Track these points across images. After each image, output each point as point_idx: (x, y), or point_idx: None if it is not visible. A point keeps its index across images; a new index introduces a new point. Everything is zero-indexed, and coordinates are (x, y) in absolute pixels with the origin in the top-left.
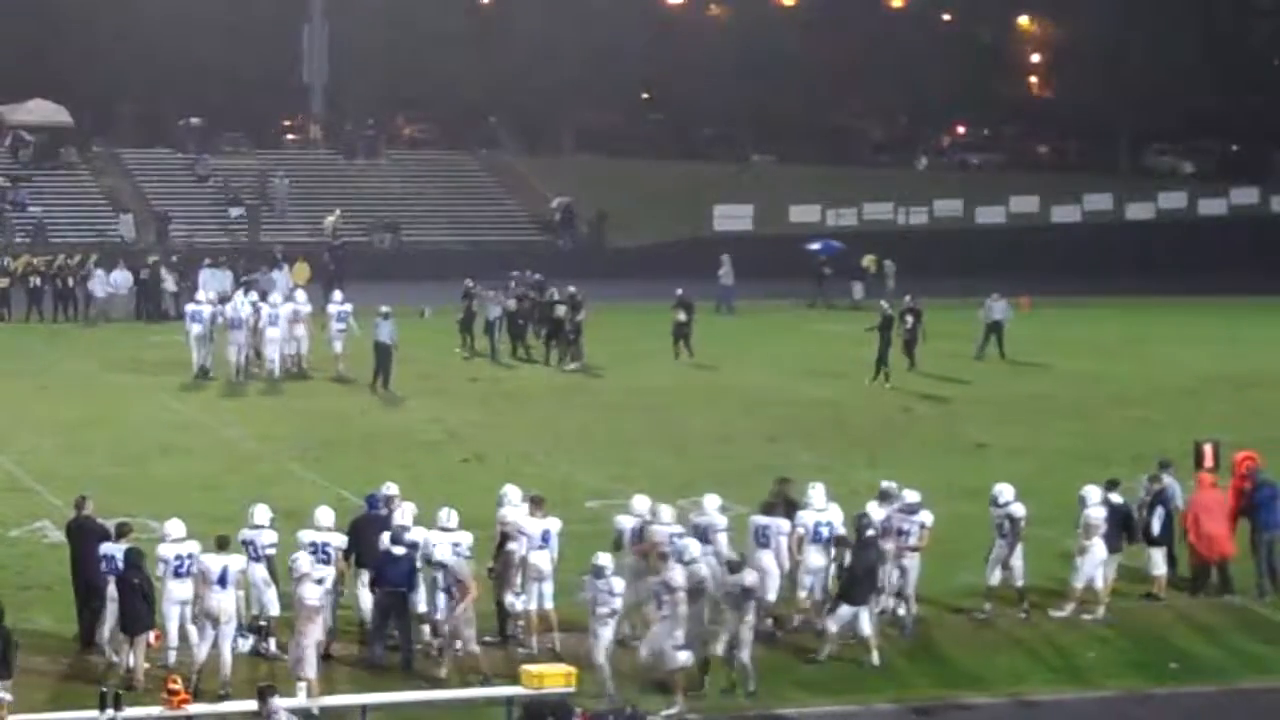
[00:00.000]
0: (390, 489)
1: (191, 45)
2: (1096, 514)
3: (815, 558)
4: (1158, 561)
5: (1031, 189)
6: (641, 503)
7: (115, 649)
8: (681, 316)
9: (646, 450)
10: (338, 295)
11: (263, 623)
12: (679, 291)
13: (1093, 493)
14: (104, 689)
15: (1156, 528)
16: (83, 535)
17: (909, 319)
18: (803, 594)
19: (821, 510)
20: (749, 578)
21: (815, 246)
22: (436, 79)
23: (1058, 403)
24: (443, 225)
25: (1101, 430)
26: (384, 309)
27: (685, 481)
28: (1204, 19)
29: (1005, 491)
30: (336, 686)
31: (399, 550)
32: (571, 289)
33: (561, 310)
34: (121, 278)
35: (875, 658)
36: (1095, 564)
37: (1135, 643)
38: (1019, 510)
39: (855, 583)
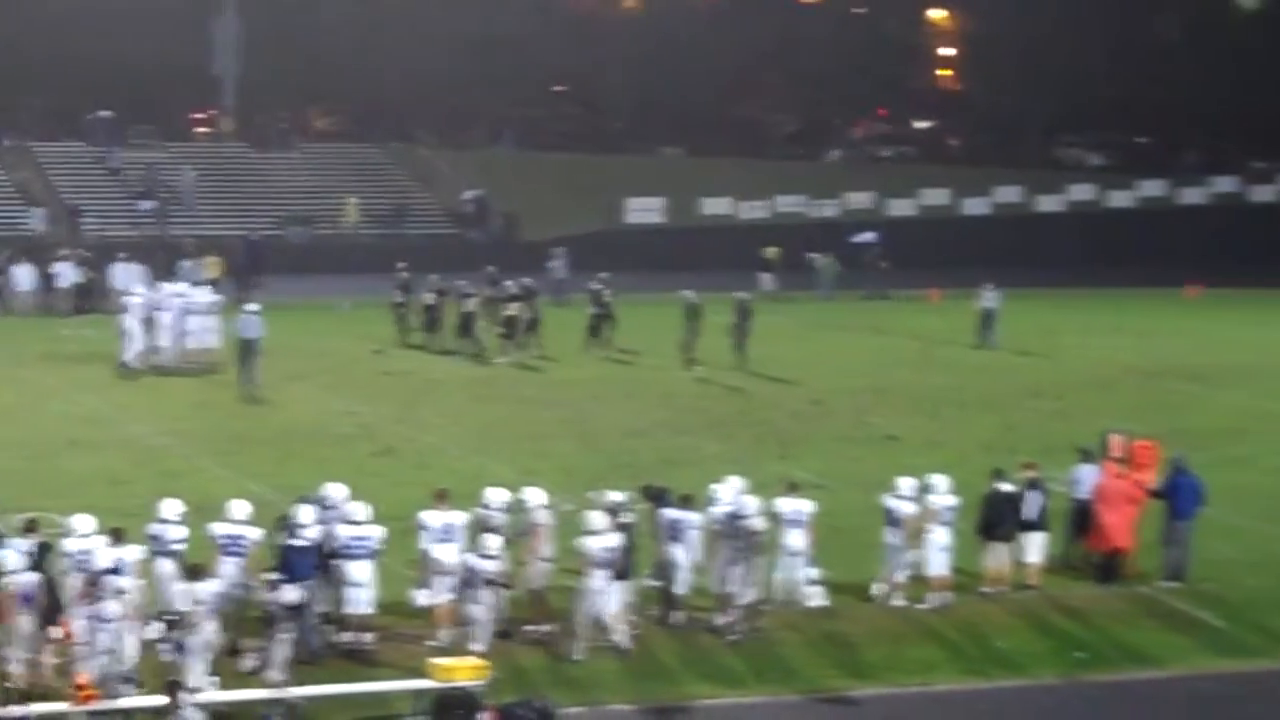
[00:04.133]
0: (336, 489)
1: (101, 37)
2: (937, 502)
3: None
4: (1029, 549)
5: (942, 182)
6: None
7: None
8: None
9: (559, 443)
10: (206, 290)
11: (170, 618)
12: (593, 285)
13: (939, 481)
14: (7, 685)
15: (1032, 515)
16: None
17: (736, 315)
18: (718, 588)
19: (729, 505)
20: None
21: (861, 239)
22: (349, 71)
23: (969, 395)
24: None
25: (1013, 422)
26: (251, 305)
27: (596, 474)
28: (1112, 12)
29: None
30: (247, 682)
31: (300, 543)
32: (526, 281)
33: (472, 304)
34: (25, 272)
35: (618, 636)
36: (938, 550)
37: (1042, 632)
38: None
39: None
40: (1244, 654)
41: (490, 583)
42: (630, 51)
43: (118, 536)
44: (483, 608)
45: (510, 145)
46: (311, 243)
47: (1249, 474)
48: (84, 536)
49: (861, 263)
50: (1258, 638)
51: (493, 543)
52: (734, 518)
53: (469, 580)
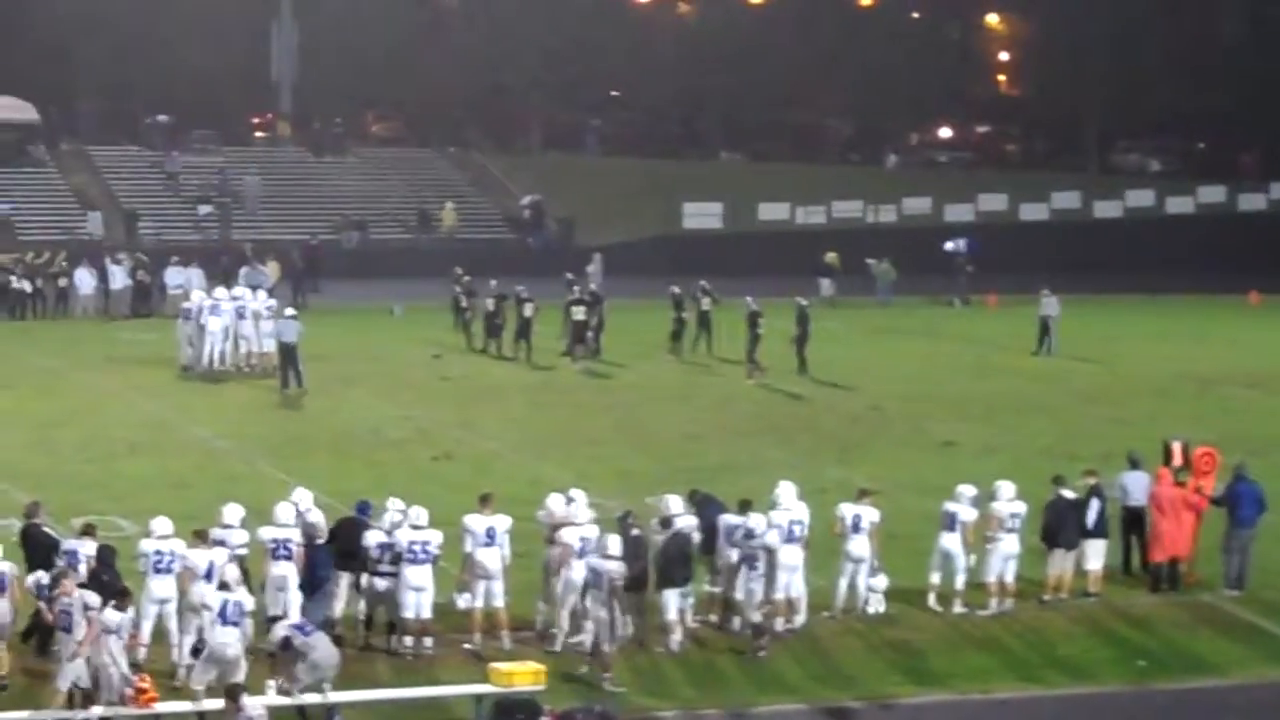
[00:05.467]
0: (396, 504)
1: (159, 42)
2: (1002, 509)
3: (790, 557)
4: (1090, 556)
5: (1000, 187)
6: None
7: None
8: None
9: (616, 448)
10: (263, 294)
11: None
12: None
13: (1005, 488)
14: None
15: (1091, 521)
16: (31, 542)
17: (796, 321)
18: (779, 595)
19: (789, 510)
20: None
21: (951, 246)
22: (405, 76)
23: (1027, 401)
24: (411, 223)
25: (1070, 428)
26: (289, 310)
27: (654, 479)
28: (1171, 16)
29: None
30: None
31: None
32: (593, 286)
33: (530, 309)
34: (87, 275)
35: (674, 643)
36: (1002, 558)
37: (1103, 640)
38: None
39: (669, 568)
40: None
41: (614, 583)
42: (687, 57)
43: (202, 539)
44: (605, 609)
45: (590, 150)
46: (366, 247)
47: None
48: (162, 538)
49: (951, 269)
50: None
51: (615, 544)
52: (747, 535)
53: (594, 582)
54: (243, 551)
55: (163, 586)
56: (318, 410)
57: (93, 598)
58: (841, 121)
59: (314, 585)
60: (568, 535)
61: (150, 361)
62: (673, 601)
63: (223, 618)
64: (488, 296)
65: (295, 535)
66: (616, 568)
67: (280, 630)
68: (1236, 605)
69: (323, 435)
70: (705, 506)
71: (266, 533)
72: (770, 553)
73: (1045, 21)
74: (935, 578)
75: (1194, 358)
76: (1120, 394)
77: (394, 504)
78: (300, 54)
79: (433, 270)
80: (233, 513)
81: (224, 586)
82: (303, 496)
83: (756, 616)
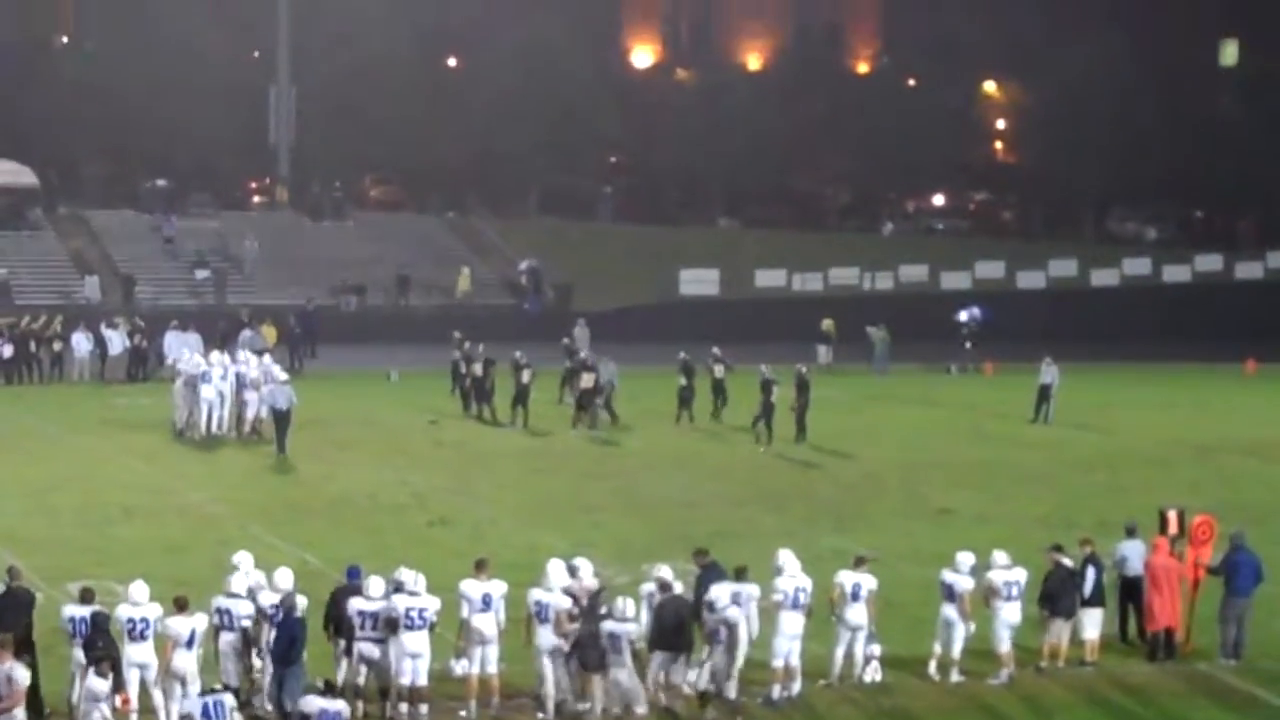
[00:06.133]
0: (403, 574)
1: (158, 107)
2: (996, 577)
3: (792, 624)
4: (1087, 624)
5: (997, 255)
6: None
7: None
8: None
9: (612, 515)
10: (267, 359)
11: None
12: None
13: (999, 556)
14: None
15: (1088, 590)
16: (13, 606)
17: (795, 388)
18: (778, 662)
19: (794, 577)
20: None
21: (965, 316)
22: (403, 141)
23: (1023, 469)
24: (408, 288)
25: (1067, 496)
26: (282, 376)
27: (650, 546)
28: (1168, 85)
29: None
30: None
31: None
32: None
33: (527, 375)
34: (84, 339)
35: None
36: (1003, 626)
37: (1101, 710)
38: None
39: (662, 632)
40: None
41: (633, 645)
42: (685, 124)
43: (182, 606)
44: (626, 671)
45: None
46: (363, 312)
47: None
48: (136, 605)
49: (958, 337)
50: None
51: (630, 607)
52: (709, 608)
53: (611, 646)
54: (247, 623)
55: (140, 652)
56: (314, 475)
57: (21, 672)
58: (839, 189)
59: (289, 659)
60: (530, 596)
61: (146, 426)
62: (656, 663)
63: (207, 717)
64: (477, 361)
65: (297, 600)
66: (634, 629)
67: (308, 706)
68: (1233, 675)
69: (319, 500)
70: (709, 571)
71: (265, 598)
72: (731, 628)
73: (1043, 90)
74: (938, 646)
75: (1191, 426)
76: (1117, 462)
77: (401, 573)
78: (298, 119)
79: (429, 336)
80: (240, 582)
81: (210, 690)
82: (244, 559)
83: (703, 683)
